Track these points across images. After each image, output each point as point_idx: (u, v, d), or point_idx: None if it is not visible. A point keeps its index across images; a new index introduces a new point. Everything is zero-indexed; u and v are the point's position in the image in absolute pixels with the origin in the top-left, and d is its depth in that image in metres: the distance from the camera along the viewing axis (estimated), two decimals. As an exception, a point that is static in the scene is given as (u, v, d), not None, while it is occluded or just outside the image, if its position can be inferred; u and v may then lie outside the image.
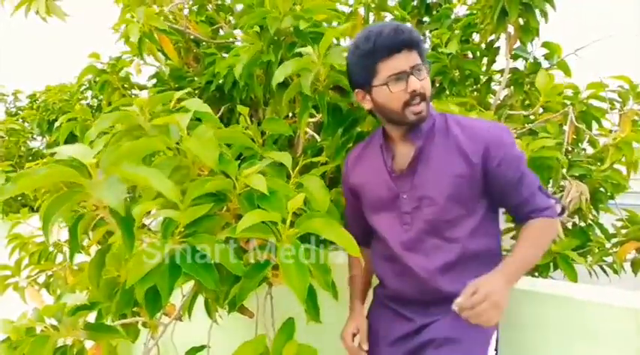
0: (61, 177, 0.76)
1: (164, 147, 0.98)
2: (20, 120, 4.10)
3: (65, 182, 0.89)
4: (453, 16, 2.62)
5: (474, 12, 2.50)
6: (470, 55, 2.49)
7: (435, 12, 2.81)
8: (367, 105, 1.33)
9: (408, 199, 1.30)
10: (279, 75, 1.45)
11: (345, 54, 1.36)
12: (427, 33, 2.69)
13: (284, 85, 1.56)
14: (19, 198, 3.34)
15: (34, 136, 4.06)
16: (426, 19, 2.84)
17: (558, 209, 1.33)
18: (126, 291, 0.98)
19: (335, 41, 1.89)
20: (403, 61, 1.20)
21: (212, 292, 1.21)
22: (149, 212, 1.09)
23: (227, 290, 1.11)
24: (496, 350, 1.32)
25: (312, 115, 1.80)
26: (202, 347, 1.45)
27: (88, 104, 3.17)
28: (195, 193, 0.98)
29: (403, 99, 1.22)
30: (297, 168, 1.43)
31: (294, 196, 1.04)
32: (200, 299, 1.42)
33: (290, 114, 2.20)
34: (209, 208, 1.00)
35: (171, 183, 0.80)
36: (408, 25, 1.24)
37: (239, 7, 2.45)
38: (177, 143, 1.15)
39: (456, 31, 2.43)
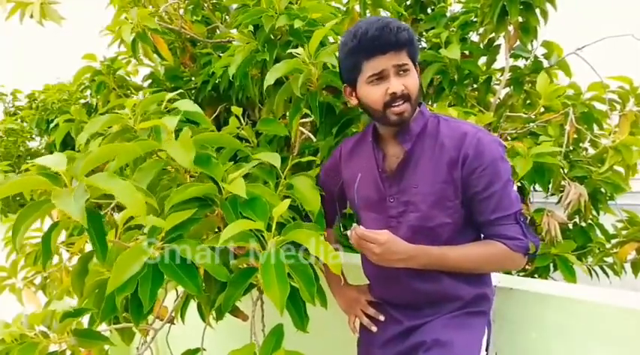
0: (32, 186, 0.76)
1: (142, 152, 0.97)
2: (19, 120, 4.09)
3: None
4: (448, 14, 2.59)
5: (470, 10, 2.47)
6: (468, 53, 2.46)
7: (429, 10, 2.78)
8: (353, 101, 1.32)
9: (395, 203, 1.29)
10: (270, 78, 1.44)
11: (337, 52, 1.34)
12: (423, 32, 2.66)
13: (279, 83, 1.55)
14: (18, 198, 3.34)
15: (33, 136, 4.05)
16: (421, 16, 2.81)
17: (532, 248, 1.24)
18: (109, 298, 0.97)
19: (332, 39, 1.87)
20: (386, 61, 1.18)
21: (204, 296, 1.20)
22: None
23: (215, 297, 1.09)
24: (487, 351, 1.32)
25: (307, 115, 1.79)
26: (197, 350, 1.43)
27: (87, 103, 3.15)
28: (176, 199, 0.96)
29: (384, 100, 1.21)
30: (287, 168, 1.41)
31: (279, 202, 1.02)
32: (194, 302, 1.41)
33: (286, 114, 2.18)
34: (191, 213, 0.98)
35: (139, 197, 0.78)
36: (399, 23, 1.19)
37: (234, 6, 2.43)
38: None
39: (452, 29, 2.39)
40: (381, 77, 1.20)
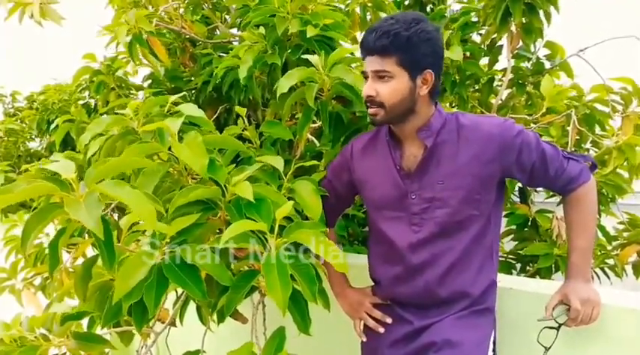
0: (40, 193, 0.75)
1: (151, 163, 0.96)
2: (19, 120, 4.08)
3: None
4: (447, 15, 2.57)
5: (470, 10, 2.45)
6: (468, 54, 2.44)
7: (428, 9, 2.77)
8: None
9: (417, 200, 1.29)
10: (283, 85, 1.43)
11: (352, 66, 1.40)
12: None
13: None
14: (18, 199, 3.32)
15: (33, 137, 4.04)
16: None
17: (588, 163, 1.33)
18: (115, 304, 0.96)
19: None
20: (369, 64, 1.24)
21: (206, 300, 1.19)
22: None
23: (216, 301, 1.08)
24: (494, 351, 1.33)
25: (312, 121, 1.78)
26: (197, 352, 1.43)
27: (86, 103, 3.14)
28: (179, 202, 0.96)
29: (365, 99, 1.27)
30: (290, 172, 1.40)
31: (284, 203, 1.02)
32: (193, 305, 1.40)
33: (289, 116, 2.16)
34: (196, 218, 0.97)
35: (150, 207, 0.77)
36: (392, 28, 1.18)
37: (235, 6, 2.41)
38: (170, 148, 1.13)
39: (451, 31, 2.38)
40: (366, 77, 1.26)
